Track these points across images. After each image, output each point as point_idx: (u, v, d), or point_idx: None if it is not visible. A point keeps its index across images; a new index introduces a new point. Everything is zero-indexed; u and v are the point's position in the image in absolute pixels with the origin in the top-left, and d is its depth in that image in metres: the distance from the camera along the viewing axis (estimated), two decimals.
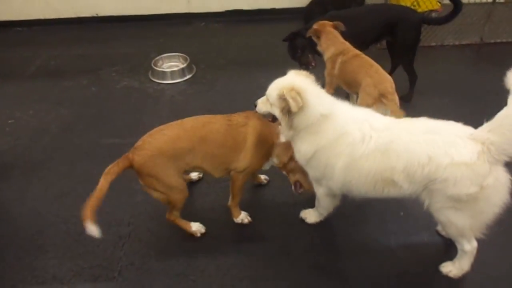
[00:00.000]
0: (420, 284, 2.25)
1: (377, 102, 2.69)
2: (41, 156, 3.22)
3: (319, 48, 3.16)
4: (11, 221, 2.68)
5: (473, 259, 2.19)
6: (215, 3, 5.51)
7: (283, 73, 2.19)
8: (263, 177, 2.87)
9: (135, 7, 5.49)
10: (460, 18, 4.72)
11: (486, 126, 1.83)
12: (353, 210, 2.64)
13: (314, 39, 3.16)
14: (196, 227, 2.52)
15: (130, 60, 4.60)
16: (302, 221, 2.59)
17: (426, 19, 3.77)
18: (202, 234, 2.52)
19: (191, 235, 2.50)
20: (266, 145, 2.36)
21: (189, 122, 2.27)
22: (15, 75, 4.43)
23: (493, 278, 2.24)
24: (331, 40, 3.07)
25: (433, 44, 4.59)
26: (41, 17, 5.45)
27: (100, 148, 3.27)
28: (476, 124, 1.92)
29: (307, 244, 2.47)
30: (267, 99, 2.13)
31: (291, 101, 1.93)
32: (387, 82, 2.74)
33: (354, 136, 1.99)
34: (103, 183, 2.08)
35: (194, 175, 2.88)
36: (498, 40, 4.64)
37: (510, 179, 1.86)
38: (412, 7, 4.85)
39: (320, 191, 2.35)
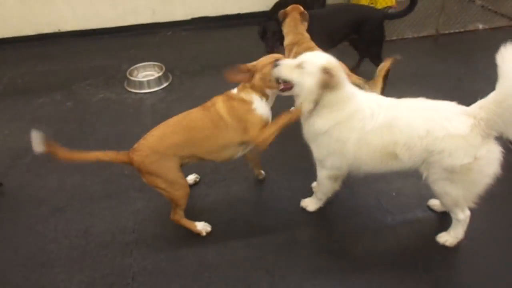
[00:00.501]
0: (421, 256, 2.39)
1: None
2: (27, 175, 3.13)
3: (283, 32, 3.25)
4: (7, 242, 2.59)
5: (466, 227, 2.38)
6: (180, 12, 5.55)
7: None
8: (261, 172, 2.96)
9: (99, 21, 5.43)
10: (416, 12, 5.05)
11: (478, 103, 1.99)
12: (349, 195, 2.78)
13: (281, 22, 3.25)
14: (201, 226, 2.56)
15: (102, 73, 4.55)
16: (303, 210, 2.69)
17: (388, 15, 4.01)
18: (208, 233, 2.56)
19: (197, 235, 2.54)
20: (239, 106, 2.35)
21: (171, 119, 2.37)
22: None
23: (485, 245, 2.44)
24: (291, 27, 3.17)
25: (394, 38, 4.88)
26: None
27: None
28: None
29: (312, 231, 2.57)
30: (299, 67, 2.13)
31: (336, 76, 2.03)
32: None
33: (365, 112, 2.11)
34: (94, 153, 2.22)
35: (191, 179, 2.91)
36: (452, 31, 5.02)
37: (501, 151, 2.01)
38: (370, 4, 5.16)
39: (322, 174, 2.44)
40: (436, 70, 4.34)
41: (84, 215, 2.74)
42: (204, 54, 4.89)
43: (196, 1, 5.50)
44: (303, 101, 2.17)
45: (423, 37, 4.96)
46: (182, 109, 2.38)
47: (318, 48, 3.02)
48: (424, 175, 2.19)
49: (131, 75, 4.25)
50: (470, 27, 5.04)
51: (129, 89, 4.18)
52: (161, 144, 2.25)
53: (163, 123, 2.35)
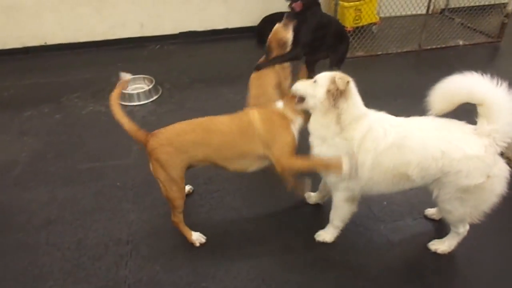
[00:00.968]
0: (414, 263, 2.45)
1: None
2: (16, 188, 3.08)
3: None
4: None
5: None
6: (168, 26, 5.59)
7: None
8: None
9: (87, 34, 5.42)
10: (400, 28, 5.24)
11: (483, 119, 2.02)
12: None
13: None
14: (196, 237, 2.56)
15: (91, 86, 4.53)
16: (297, 221, 2.72)
17: None
18: (201, 244, 2.56)
19: (192, 245, 2.54)
20: (278, 121, 2.38)
21: (196, 119, 2.41)
22: None
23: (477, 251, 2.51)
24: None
25: (379, 53, 5.03)
26: None
27: (79, 173, 3.19)
28: None
29: (307, 240, 2.58)
30: (314, 81, 2.20)
31: (342, 83, 2.05)
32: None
33: (378, 131, 2.11)
34: (123, 116, 2.34)
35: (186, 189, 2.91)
36: (434, 46, 5.19)
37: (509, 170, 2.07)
38: (354, 21, 5.32)
39: (338, 197, 2.36)
40: (420, 83, 4.39)
41: (76, 227, 2.71)
42: (192, 68, 4.93)
43: (184, 16, 5.55)
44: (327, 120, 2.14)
45: (407, 52, 5.12)
46: (173, 121, 2.40)
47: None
48: (435, 194, 2.20)
49: None
50: (451, 43, 5.23)
51: (119, 102, 4.15)
52: (177, 138, 2.30)
53: (186, 120, 2.39)
